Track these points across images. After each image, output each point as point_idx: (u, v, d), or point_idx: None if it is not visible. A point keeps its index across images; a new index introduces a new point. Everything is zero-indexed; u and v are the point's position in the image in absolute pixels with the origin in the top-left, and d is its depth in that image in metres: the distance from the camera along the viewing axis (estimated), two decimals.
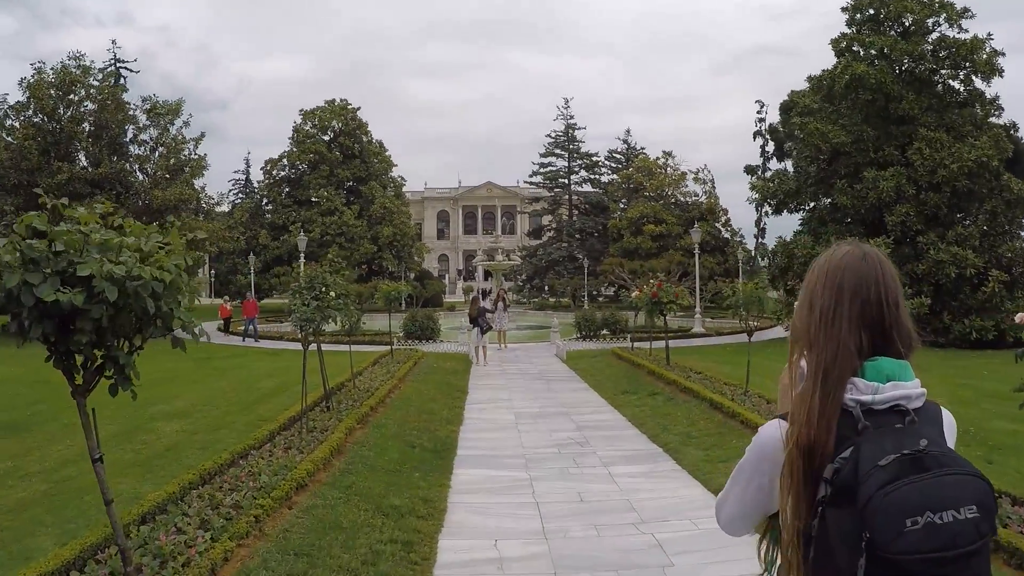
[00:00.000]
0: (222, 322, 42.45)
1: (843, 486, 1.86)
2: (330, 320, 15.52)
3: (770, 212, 45.14)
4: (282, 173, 75.78)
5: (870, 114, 36.33)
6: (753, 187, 42.34)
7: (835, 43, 38.08)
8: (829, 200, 38.08)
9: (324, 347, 16.09)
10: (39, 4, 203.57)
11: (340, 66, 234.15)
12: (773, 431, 2.13)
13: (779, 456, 2.04)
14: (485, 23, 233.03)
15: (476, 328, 27.62)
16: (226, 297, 53.20)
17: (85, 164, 43.56)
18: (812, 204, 40.50)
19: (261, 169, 76.97)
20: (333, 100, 76.17)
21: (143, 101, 47.31)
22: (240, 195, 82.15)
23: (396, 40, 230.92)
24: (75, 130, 42.96)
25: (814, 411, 1.97)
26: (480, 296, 30.46)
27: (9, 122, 43.31)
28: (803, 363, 2.10)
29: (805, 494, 1.95)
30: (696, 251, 43.21)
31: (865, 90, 35.35)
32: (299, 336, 15.95)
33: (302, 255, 40.65)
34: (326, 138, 75.24)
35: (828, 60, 39.27)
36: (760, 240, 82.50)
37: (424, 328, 35.65)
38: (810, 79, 39.97)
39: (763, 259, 44.26)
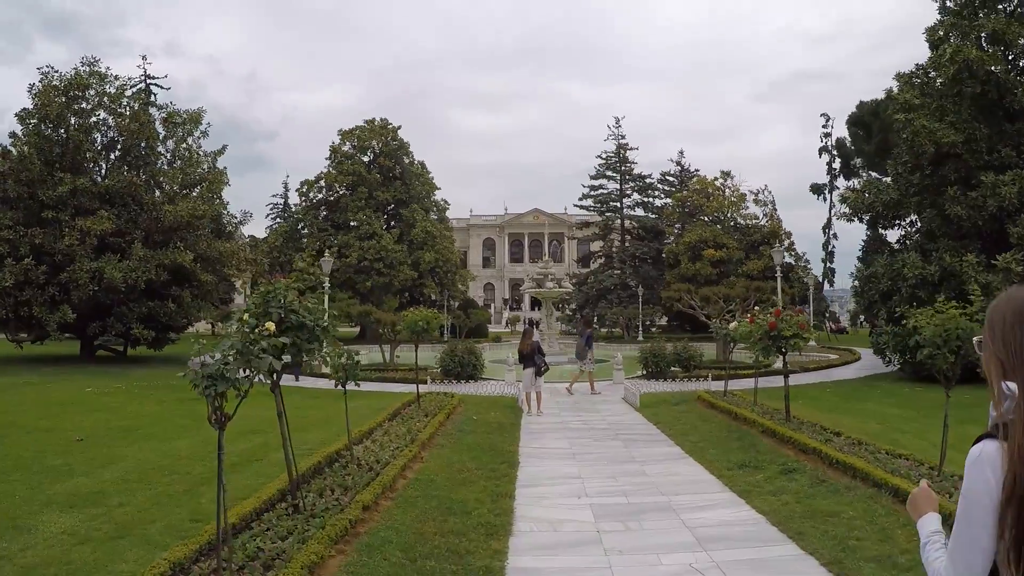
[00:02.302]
0: None
1: None
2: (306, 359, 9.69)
3: (866, 228, 38.50)
4: (319, 196, 70.62)
5: (981, 109, 30.04)
6: (844, 199, 35.91)
7: (930, 32, 31.83)
8: (936, 211, 31.43)
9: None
10: (89, 34, 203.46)
11: (387, 95, 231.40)
12: (992, 453, 2.09)
13: (996, 478, 2.05)
14: (528, 52, 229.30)
15: (529, 368, 21.36)
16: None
17: (95, 177, 38.35)
18: (914, 216, 34.04)
19: (297, 191, 72.13)
20: (373, 119, 71.02)
21: (158, 110, 42.25)
22: (278, 220, 77.12)
23: (442, 69, 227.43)
24: (83, 139, 37.87)
25: None
26: (532, 328, 23.90)
27: (14, 130, 38.59)
28: (1011, 384, 2.14)
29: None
30: (778, 274, 36.78)
31: (975, 81, 29.06)
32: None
33: (326, 280, 34.90)
34: (365, 159, 70.23)
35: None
36: (828, 264, 75.78)
37: (464, 364, 29.75)
38: (899, 76, 33.64)
39: (855, 281, 37.56)
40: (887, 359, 30.81)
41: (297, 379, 28.76)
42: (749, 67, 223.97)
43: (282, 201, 79.49)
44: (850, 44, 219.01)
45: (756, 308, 38.84)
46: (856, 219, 35.98)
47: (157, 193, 39.65)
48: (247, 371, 7.16)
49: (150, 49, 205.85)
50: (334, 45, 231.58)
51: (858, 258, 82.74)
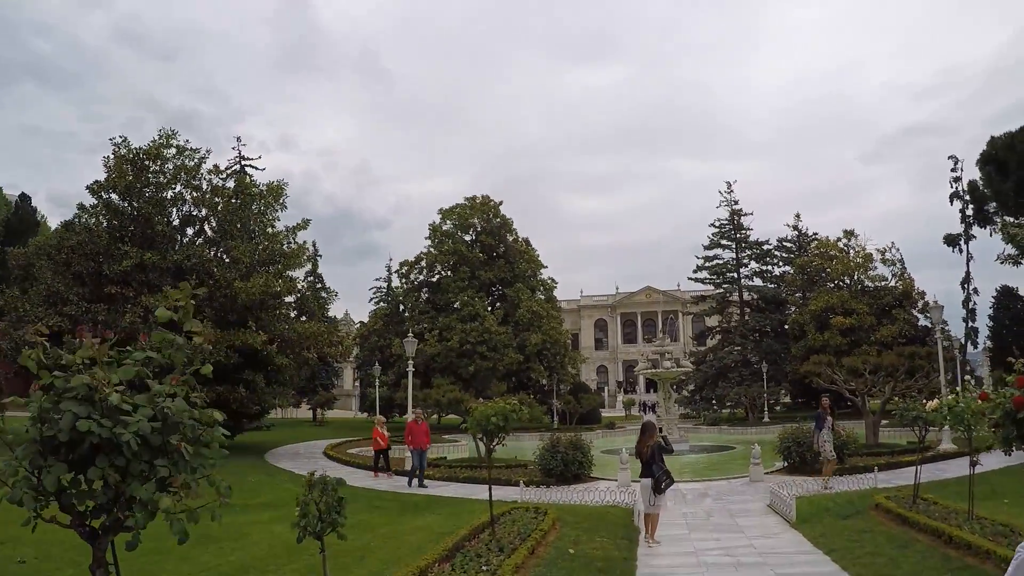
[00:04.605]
0: (375, 455, 28.69)
1: None
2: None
3: None
4: (420, 277, 66.62)
5: None
6: (1011, 238, 29.25)
7: None
8: None
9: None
10: (208, 131, 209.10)
11: (496, 182, 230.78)
12: None
13: None
14: (632, 133, 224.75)
15: (647, 479, 14.37)
16: (380, 418, 32.41)
17: (165, 252, 34.92)
18: None
19: (396, 273, 68.30)
20: (474, 197, 67.00)
21: (234, 182, 38.91)
22: (381, 303, 73.54)
23: (550, 155, 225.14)
24: (153, 213, 34.59)
25: None
26: (654, 424, 15.76)
27: (84, 203, 36.04)
28: None
29: None
30: (938, 336, 30.23)
31: None
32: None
33: (410, 363, 30.07)
34: (467, 238, 65.99)
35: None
36: (970, 324, 67.06)
37: (568, 462, 24.11)
38: None
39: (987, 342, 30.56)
40: None
41: None
42: (855, 126, 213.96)
43: (385, 284, 75.96)
44: (955, 93, 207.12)
45: (914, 379, 32.46)
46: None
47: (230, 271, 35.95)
48: None
49: (265, 144, 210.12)
50: (444, 137, 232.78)
51: (989, 316, 74.40)
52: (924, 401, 14.95)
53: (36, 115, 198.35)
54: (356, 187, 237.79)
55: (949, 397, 13.41)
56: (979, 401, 10.84)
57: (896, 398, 30.76)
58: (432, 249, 65.52)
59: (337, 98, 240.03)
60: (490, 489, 13.43)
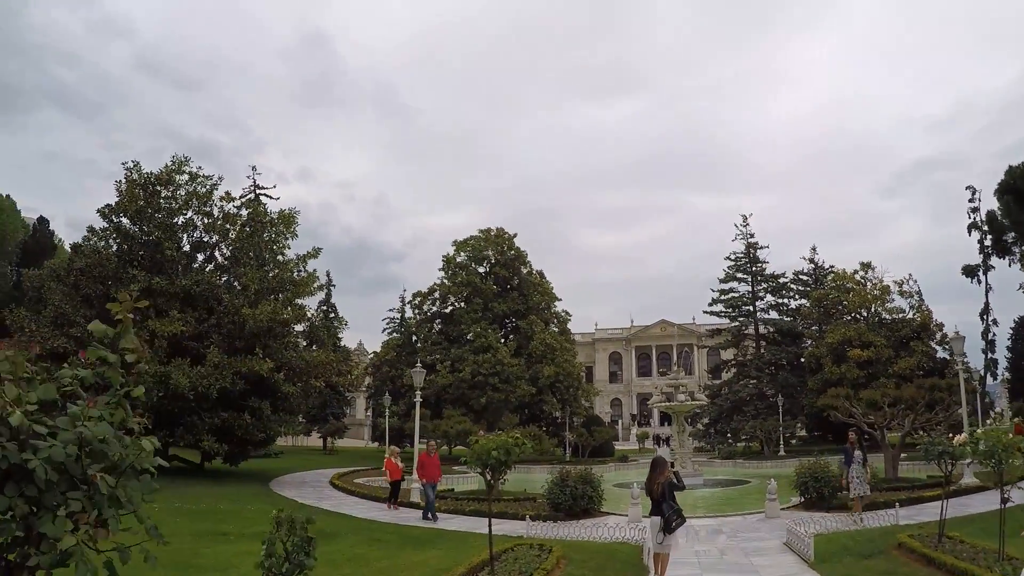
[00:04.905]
0: (390, 486, 27.77)
1: None
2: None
3: None
4: (433, 308, 66.12)
5: None
6: None
7: None
8: None
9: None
10: (227, 161, 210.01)
11: (511, 216, 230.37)
12: None
13: None
14: (648, 166, 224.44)
15: (656, 517, 12.88)
16: (395, 448, 31.27)
17: (171, 276, 34.50)
18: None
19: (410, 304, 67.87)
20: (488, 229, 66.64)
21: (240, 207, 38.57)
22: (394, 334, 72.95)
23: (566, 190, 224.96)
24: (163, 238, 34.30)
25: None
26: (665, 459, 14.34)
27: (94, 225, 35.95)
28: None
29: None
30: (959, 368, 29.35)
31: None
32: None
33: (418, 393, 29.43)
34: (481, 270, 65.53)
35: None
36: (990, 355, 65.82)
37: (577, 497, 23.34)
38: None
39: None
40: None
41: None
42: (870, 159, 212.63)
43: (399, 315, 75.44)
44: (968, 126, 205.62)
45: (932, 413, 31.57)
46: None
47: (238, 298, 35.50)
48: None
49: (283, 175, 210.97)
50: (461, 171, 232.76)
51: (1007, 347, 73.10)
52: (950, 435, 14.21)
53: (58, 141, 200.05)
54: (374, 219, 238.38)
55: (978, 431, 12.66)
56: (1011, 435, 10.16)
57: (920, 431, 30.03)
58: (446, 280, 65.16)
59: (355, 131, 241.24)
60: (490, 524, 12.71)
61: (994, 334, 65.88)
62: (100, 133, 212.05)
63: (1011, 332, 72.20)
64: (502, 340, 62.96)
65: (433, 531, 20.85)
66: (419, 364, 32.22)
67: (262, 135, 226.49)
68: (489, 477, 12.74)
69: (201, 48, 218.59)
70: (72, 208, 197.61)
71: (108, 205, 35.13)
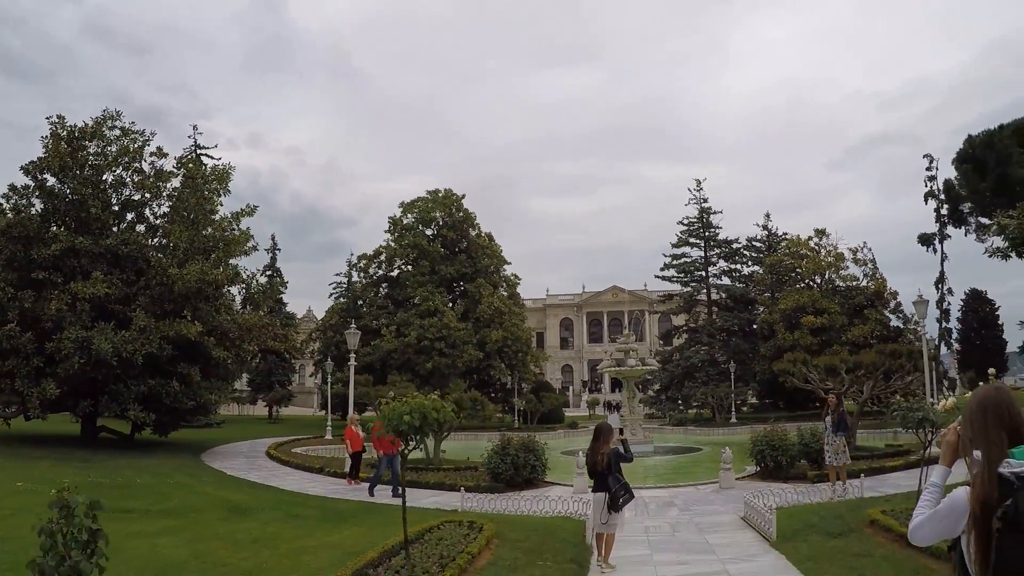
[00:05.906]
0: (350, 457, 24.79)
1: (1010, 520, 2.99)
2: None
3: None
4: (379, 271, 63.80)
5: None
6: (1002, 229, 27.00)
7: None
8: None
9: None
10: (176, 126, 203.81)
11: (465, 184, 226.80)
12: (961, 494, 3.24)
13: (962, 507, 3.21)
14: (604, 137, 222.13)
15: (600, 493, 11.65)
16: (355, 416, 27.27)
17: (96, 236, 31.83)
18: None
19: (354, 267, 65.32)
20: (436, 190, 64.26)
21: (179, 166, 35.90)
22: (340, 299, 70.44)
23: (520, 157, 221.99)
24: (88, 195, 31.57)
25: (987, 482, 3.12)
26: (611, 425, 13.01)
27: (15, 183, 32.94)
28: (977, 453, 3.27)
29: (984, 529, 3.07)
30: (922, 333, 28.01)
31: None
32: None
33: (351, 356, 27.31)
34: (428, 232, 63.15)
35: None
36: (944, 324, 65.47)
37: (519, 466, 21.56)
38: None
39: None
40: None
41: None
42: (823, 134, 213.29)
43: (345, 280, 73.10)
44: (924, 103, 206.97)
45: (892, 380, 30.26)
46: (1015, 254, 27.16)
47: (163, 256, 32.93)
48: None
49: (233, 141, 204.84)
50: (415, 139, 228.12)
51: (958, 319, 73.24)
52: (932, 401, 12.53)
53: (5, 109, 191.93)
54: (324, 185, 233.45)
55: (964, 396, 11.00)
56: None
57: (878, 399, 28.71)
58: (392, 243, 62.86)
59: (306, 96, 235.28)
60: (403, 504, 10.68)
61: (948, 303, 65.51)
62: (48, 100, 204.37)
63: (962, 304, 72.19)
64: (450, 304, 60.91)
65: (361, 505, 18.79)
66: (353, 326, 30.09)
67: (212, 101, 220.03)
68: (404, 447, 10.66)
69: (151, 10, 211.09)
70: (18, 177, 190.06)
71: (32, 161, 32.21)
